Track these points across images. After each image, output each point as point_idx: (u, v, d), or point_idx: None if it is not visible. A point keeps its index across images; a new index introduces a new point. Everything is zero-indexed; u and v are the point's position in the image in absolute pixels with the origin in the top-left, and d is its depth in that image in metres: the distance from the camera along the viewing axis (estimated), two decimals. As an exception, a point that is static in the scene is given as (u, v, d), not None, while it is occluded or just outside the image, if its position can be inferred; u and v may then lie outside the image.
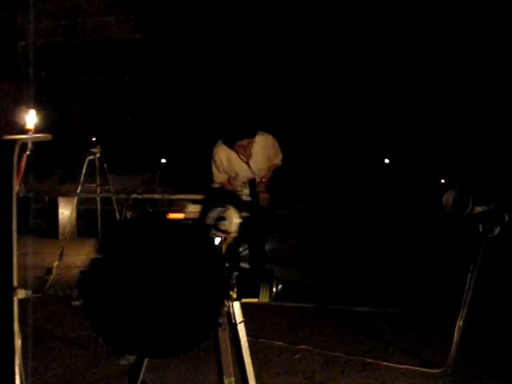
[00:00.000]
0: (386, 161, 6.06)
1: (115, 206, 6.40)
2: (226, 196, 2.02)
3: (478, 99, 7.60)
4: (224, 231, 1.92)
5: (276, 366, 4.03)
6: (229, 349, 1.83)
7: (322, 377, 3.87)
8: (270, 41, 8.50)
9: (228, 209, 1.93)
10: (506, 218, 3.92)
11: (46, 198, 8.62)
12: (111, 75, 9.49)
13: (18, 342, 1.40)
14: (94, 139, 6.29)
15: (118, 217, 6.15)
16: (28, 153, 1.34)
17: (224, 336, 1.81)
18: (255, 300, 1.79)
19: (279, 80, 8.44)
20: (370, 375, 3.91)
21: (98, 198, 6.83)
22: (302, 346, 4.38)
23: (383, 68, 7.98)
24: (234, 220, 1.96)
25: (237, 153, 5.72)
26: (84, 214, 8.19)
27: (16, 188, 1.34)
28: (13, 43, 9.93)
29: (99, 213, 6.79)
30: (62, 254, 6.04)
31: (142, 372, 1.88)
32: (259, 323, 4.88)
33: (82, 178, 6.39)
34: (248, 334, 4.52)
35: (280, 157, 5.98)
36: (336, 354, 4.24)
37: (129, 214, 4.32)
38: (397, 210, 7.47)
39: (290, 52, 8.42)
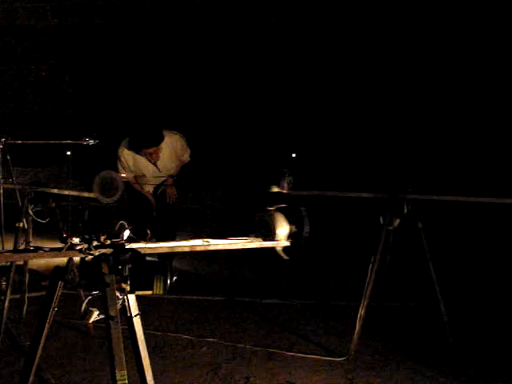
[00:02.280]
0: (293, 155, 6.18)
1: (19, 199, 6.19)
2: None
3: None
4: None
5: (182, 360, 4.02)
6: (121, 342, 1.81)
7: (228, 369, 3.90)
8: (178, 36, 8.44)
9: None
10: (405, 210, 4.08)
11: None
12: (17, 64, 9.15)
13: None
14: None
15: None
16: None
17: (116, 329, 1.79)
18: (150, 292, 1.78)
19: (187, 75, 8.40)
20: (275, 365, 3.97)
21: (1, 191, 6.57)
22: (209, 339, 4.40)
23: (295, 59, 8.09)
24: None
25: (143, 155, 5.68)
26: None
27: None
28: None
29: (1, 207, 6.53)
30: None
31: (34, 369, 1.83)
32: (166, 317, 4.87)
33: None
34: (156, 329, 4.52)
35: (188, 153, 5.97)
36: (242, 345, 4.29)
37: (30, 208, 4.20)
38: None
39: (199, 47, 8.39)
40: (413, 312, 5.17)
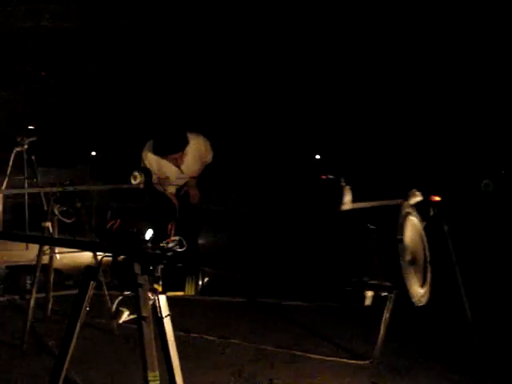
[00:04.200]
0: (317, 156, 6.15)
1: (43, 199, 6.25)
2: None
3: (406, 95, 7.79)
4: None
5: (206, 361, 4.02)
6: (153, 342, 1.81)
7: (252, 370, 3.89)
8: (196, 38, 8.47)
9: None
10: (431, 212, 4.04)
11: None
12: (41, 65, 9.24)
13: None
14: (31, 127, 6.10)
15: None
16: None
17: (148, 329, 1.79)
18: (181, 293, 1.78)
19: (209, 78, 8.42)
20: (298, 368, 3.96)
21: (26, 192, 6.66)
22: (232, 340, 4.39)
23: (320, 63, 8.07)
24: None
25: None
26: (11, 208, 7.95)
27: None
28: None
29: (27, 207, 6.62)
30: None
31: (64, 369, 1.84)
32: (190, 318, 4.87)
33: (9, 171, 6.21)
34: (179, 329, 4.52)
35: (211, 155, 5.98)
36: (265, 347, 4.27)
37: (56, 208, 4.23)
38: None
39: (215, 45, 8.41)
40: (438, 314, 5.12)
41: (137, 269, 1.73)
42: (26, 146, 6.28)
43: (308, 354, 4.17)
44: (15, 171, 6.40)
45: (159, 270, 1.74)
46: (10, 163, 6.21)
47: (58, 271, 5.11)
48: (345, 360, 4.11)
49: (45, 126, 8.76)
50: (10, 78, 9.26)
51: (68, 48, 9.07)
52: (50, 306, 4.69)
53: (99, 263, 1.81)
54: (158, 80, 8.58)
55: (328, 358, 4.12)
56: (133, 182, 4.19)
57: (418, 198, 3.42)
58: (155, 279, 1.74)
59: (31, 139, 6.00)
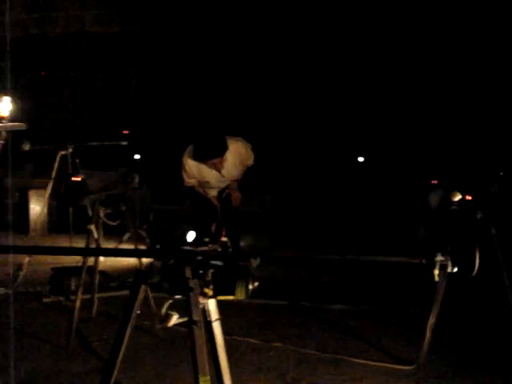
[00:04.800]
0: (360, 159, 6.10)
1: (87, 201, 6.33)
2: None
3: (464, 97, 7.68)
4: None
5: (249, 364, 4.02)
6: (204, 346, 1.81)
7: (295, 374, 3.87)
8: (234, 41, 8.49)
9: None
10: (479, 216, 3.97)
11: (17, 192, 8.51)
12: (84, 70, 9.38)
13: None
14: (125, 132, 6.13)
15: (90, 213, 6.08)
16: (3, 142, 1.23)
17: (199, 334, 1.80)
18: (231, 297, 1.78)
19: (249, 78, 8.43)
20: (342, 372, 3.92)
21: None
22: (275, 344, 4.38)
23: (360, 64, 8.02)
24: None
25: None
26: (55, 210, 8.09)
27: None
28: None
29: (71, 209, 6.69)
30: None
31: (115, 372, 1.86)
32: (232, 320, 4.87)
33: (54, 174, 6.30)
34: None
35: (252, 158, 5.97)
36: (309, 351, 4.25)
37: (102, 210, 4.28)
38: (375, 208, 7.51)
39: (257, 50, 8.41)
40: (485, 320, 5.02)
41: (188, 273, 1.74)
42: (70, 150, 6.36)
43: (352, 359, 4.13)
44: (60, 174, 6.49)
45: (210, 274, 1.74)
46: (55, 166, 6.30)
47: (102, 273, 5.17)
48: (389, 365, 4.06)
49: (89, 129, 8.90)
50: (54, 83, 9.43)
51: (110, 52, 9.20)
52: (95, 307, 4.75)
53: (150, 267, 1.83)
54: (199, 84, 8.63)
55: (372, 363, 4.07)
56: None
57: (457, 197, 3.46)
58: (206, 283, 1.75)
59: (123, 143, 6.05)
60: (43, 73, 9.35)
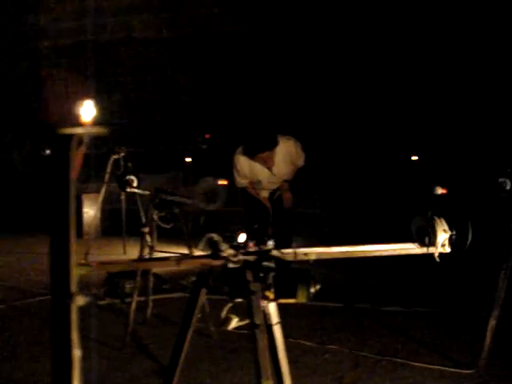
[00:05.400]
0: (414, 158, 5.97)
1: (140, 205, 6.40)
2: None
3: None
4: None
5: (305, 367, 3.97)
6: (267, 350, 1.79)
7: (352, 377, 3.81)
8: (281, 40, 8.46)
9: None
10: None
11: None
12: (134, 75, 9.49)
13: (76, 353, 1.28)
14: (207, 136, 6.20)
15: (143, 216, 6.15)
16: (84, 149, 1.23)
17: (262, 337, 1.77)
18: (293, 301, 1.75)
19: (295, 79, 8.38)
20: (401, 376, 3.84)
21: (124, 197, 6.84)
22: (330, 346, 4.33)
23: (406, 63, 7.89)
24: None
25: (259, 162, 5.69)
26: (108, 214, 8.21)
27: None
28: (36, 44, 9.99)
29: (124, 212, 6.79)
30: (87, 253, 6.06)
31: (176, 375, 1.85)
32: (286, 323, 4.83)
33: (106, 178, 6.40)
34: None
35: (303, 158, 5.92)
36: (366, 354, 4.18)
37: (155, 213, 4.31)
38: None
39: (303, 49, 8.36)
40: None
41: (249, 276, 1.72)
42: (122, 154, 6.46)
43: (410, 362, 4.04)
44: (112, 179, 6.59)
45: (271, 277, 1.71)
46: (108, 170, 6.40)
47: (155, 275, 5.21)
48: (448, 368, 3.96)
49: (140, 134, 9.00)
50: (106, 88, 9.57)
51: (160, 57, 9.30)
52: (149, 309, 4.79)
53: (210, 270, 1.81)
54: (249, 85, 8.63)
55: (431, 367, 3.98)
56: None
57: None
58: (267, 286, 1.72)
59: (203, 146, 6.16)
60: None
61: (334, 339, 4.50)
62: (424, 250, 1.97)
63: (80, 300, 1.26)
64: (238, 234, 1.90)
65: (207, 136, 6.49)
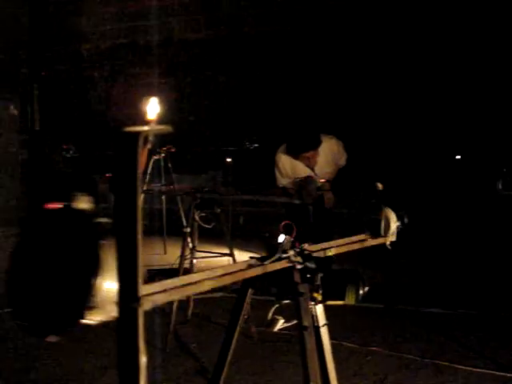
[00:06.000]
0: (458, 157, 5.85)
1: (180, 205, 6.45)
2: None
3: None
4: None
5: (347, 368, 3.94)
6: (315, 353, 1.77)
7: (395, 380, 3.77)
8: (323, 43, 8.40)
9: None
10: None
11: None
12: (174, 76, 9.56)
13: (143, 360, 1.23)
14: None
15: (183, 216, 6.18)
16: (149, 146, 1.22)
17: (310, 339, 1.76)
18: (341, 302, 1.74)
19: (338, 79, 8.32)
20: (444, 379, 3.79)
21: (164, 198, 6.90)
22: (373, 348, 4.29)
23: (448, 63, 7.77)
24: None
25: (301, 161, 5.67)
26: (148, 214, 8.27)
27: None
28: (77, 47, 10.14)
29: (165, 212, 6.85)
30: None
31: (223, 376, 1.85)
32: (329, 324, 4.80)
33: (147, 178, 6.46)
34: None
35: (345, 157, 5.88)
36: (409, 356, 4.13)
37: (197, 213, 4.32)
38: (469, 209, 7.25)
39: (348, 48, 8.29)
40: None
41: (297, 277, 1.71)
42: (163, 155, 6.52)
43: (454, 365, 3.98)
44: (152, 178, 6.66)
45: (318, 279, 1.70)
46: (149, 171, 6.46)
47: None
48: (493, 372, 3.89)
49: (180, 134, 9.04)
50: (145, 91, 9.65)
51: (198, 58, 9.33)
52: (190, 309, 4.82)
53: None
54: (291, 84, 8.59)
55: (475, 370, 3.91)
56: None
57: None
58: (315, 288, 1.71)
59: (253, 146, 6.21)
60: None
61: (376, 341, 4.45)
62: (380, 241, 2.12)
63: (147, 304, 1.24)
64: (278, 235, 1.90)
65: (254, 137, 6.50)
